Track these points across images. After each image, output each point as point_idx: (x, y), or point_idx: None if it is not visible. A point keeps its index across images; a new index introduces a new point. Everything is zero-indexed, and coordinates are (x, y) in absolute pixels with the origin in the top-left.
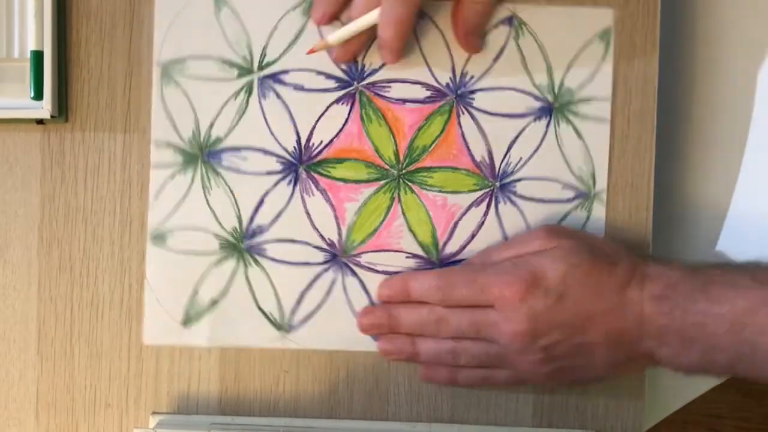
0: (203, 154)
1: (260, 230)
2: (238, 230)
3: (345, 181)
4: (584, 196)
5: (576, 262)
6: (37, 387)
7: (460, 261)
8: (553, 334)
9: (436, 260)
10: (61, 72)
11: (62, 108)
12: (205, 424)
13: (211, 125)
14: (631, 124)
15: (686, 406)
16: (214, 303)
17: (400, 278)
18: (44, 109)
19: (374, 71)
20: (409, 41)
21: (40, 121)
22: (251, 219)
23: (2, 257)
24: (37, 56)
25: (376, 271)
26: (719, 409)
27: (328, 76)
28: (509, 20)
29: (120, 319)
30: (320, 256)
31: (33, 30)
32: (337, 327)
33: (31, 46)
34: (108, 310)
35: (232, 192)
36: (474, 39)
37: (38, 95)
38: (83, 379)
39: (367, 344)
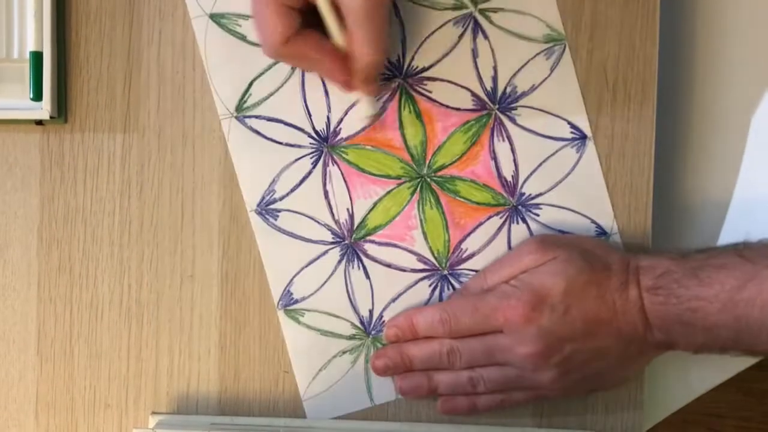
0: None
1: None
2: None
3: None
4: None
5: (574, 273)
6: (37, 387)
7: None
8: (566, 347)
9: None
10: (60, 73)
11: (61, 109)
12: (204, 424)
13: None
14: (630, 124)
15: (686, 406)
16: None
17: (404, 316)
18: (43, 109)
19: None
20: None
21: (39, 122)
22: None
23: (2, 258)
24: (37, 57)
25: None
26: (719, 408)
27: None
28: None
29: (119, 320)
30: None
31: (32, 30)
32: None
33: (31, 46)
34: (107, 311)
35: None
36: (373, 83)
37: (37, 96)
38: (83, 379)
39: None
